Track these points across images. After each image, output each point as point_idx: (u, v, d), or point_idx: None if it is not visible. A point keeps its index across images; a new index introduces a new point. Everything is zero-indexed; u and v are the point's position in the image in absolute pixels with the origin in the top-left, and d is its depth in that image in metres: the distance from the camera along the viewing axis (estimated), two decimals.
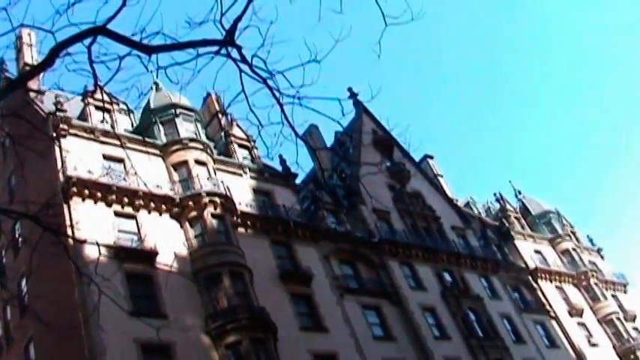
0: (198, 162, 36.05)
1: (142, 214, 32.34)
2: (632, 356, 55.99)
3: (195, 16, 9.45)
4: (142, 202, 32.45)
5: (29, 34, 38.07)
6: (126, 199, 32.02)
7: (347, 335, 35.19)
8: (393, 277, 41.89)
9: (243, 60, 9.21)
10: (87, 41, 9.00)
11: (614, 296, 62.10)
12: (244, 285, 31.80)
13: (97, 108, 35.45)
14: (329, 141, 53.10)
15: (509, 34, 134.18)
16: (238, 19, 8.98)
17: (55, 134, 31.90)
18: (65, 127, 32.81)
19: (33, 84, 35.43)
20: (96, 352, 25.68)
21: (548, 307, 53.46)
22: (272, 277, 34.85)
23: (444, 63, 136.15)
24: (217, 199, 34.02)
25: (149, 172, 32.01)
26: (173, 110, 38.08)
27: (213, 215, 33.60)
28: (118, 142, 31.89)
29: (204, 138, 38.67)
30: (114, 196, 31.58)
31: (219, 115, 44.59)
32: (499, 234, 57.79)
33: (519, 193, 70.44)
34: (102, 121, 34.58)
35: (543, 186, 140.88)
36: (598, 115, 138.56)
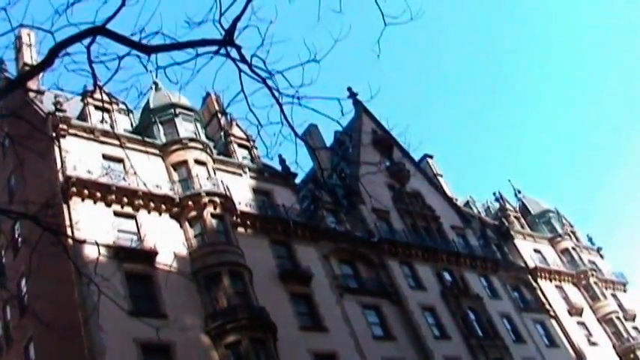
0: (198, 162, 36.05)
1: (142, 214, 32.34)
2: (631, 355, 56.02)
3: (194, 16, 9.46)
4: (141, 201, 32.45)
5: (28, 34, 38.05)
6: (125, 199, 32.02)
7: (347, 335, 35.20)
8: (393, 277, 41.90)
9: (243, 60, 9.22)
10: (86, 41, 9.01)
11: (613, 295, 62.14)
12: (244, 285, 31.80)
13: (97, 108, 35.44)
14: (328, 141, 53.12)
15: (509, 34, 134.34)
16: (237, 18, 8.98)
17: (54, 134, 31.90)
18: (65, 127, 32.80)
19: (32, 84, 35.42)
20: (96, 352, 25.68)
21: (547, 306, 53.48)
22: (272, 277, 34.85)
23: (444, 63, 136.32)
24: (217, 199, 34.02)
25: (149, 172, 32.00)
26: (172, 110, 38.08)
27: (212, 215, 33.60)
28: (117, 142, 31.86)
29: (203, 138, 38.67)
30: (113, 196, 31.58)
31: (219, 115, 44.60)
32: (499, 233, 57.81)
33: (519, 192, 70.46)
34: (101, 121, 34.57)
35: (543, 185, 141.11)
36: (598, 115, 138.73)
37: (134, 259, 29.84)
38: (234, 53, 9.23)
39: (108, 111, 36.12)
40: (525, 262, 56.10)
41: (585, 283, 59.77)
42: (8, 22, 9.44)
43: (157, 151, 35.77)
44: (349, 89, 52.30)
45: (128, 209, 32.06)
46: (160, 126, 37.50)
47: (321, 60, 9.41)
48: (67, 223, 28.15)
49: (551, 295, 55.08)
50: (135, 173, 30.98)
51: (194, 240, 32.68)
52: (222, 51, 9.21)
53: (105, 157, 33.27)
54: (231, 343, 29.23)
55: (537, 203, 68.67)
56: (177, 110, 38.17)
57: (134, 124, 38.19)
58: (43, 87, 35.69)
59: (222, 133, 42.85)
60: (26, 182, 28.72)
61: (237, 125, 43.10)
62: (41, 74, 30.04)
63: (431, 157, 62.23)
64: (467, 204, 61.86)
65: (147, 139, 35.51)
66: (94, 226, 29.03)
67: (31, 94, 35.67)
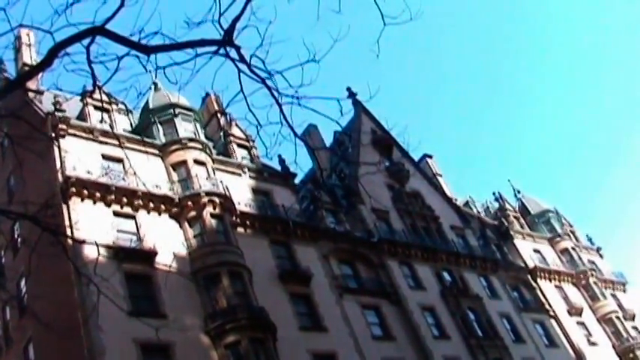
0: (197, 162, 36.05)
1: (141, 214, 32.34)
2: (631, 355, 56.05)
3: (193, 16, 9.47)
4: (141, 202, 32.45)
5: (28, 35, 38.05)
6: (125, 199, 32.02)
7: (346, 335, 35.20)
8: (393, 277, 41.90)
9: (242, 60, 9.22)
10: (85, 41, 9.01)
11: (613, 295, 62.17)
12: (243, 285, 31.80)
13: (96, 108, 35.43)
14: (328, 141, 53.14)
15: (509, 34, 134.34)
16: (237, 19, 8.98)
17: (53, 134, 31.89)
18: (64, 127, 32.80)
19: (32, 84, 35.42)
20: (95, 352, 25.68)
21: (547, 306, 53.50)
22: (271, 277, 34.85)
23: (443, 62, 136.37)
24: (216, 199, 34.02)
25: (148, 172, 32.00)
26: (172, 110, 38.09)
27: (212, 215, 33.59)
28: (116, 142, 31.77)
29: (203, 138, 38.67)
30: (113, 196, 31.57)
31: (218, 115, 44.62)
32: (498, 233, 57.82)
33: (518, 192, 70.50)
34: (101, 121, 34.56)
35: (542, 185, 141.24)
36: (597, 115, 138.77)
37: (134, 259, 29.83)
38: (233, 53, 9.24)
39: (107, 111, 36.12)
40: (525, 262, 56.12)
41: (585, 283, 59.79)
42: (7, 22, 9.45)
43: (156, 151, 35.77)
44: (348, 89, 52.35)
45: (127, 209, 32.06)
46: (159, 126, 37.50)
47: (321, 60, 9.42)
48: (67, 223, 28.15)
49: (551, 295, 55.10)
50: (134, 173, 30.95)
51: (193, 240, 32.68)
52: (222, 51, 9.21)
53: (104, 157, 33.27)
54: (230, 343, 29.23)
55: (537, 203, 68.69)
56: (177, 110, 38.18)
57: (133, 125, 38.18)
58: (43, 87, 35.69)
59: (221, 133, 42.86)
60: (25, 182, 28.71)
61: (236, 125, 43.11)
62: (40, 74, 30.11)
63: (430, 157, 62.24)
64: (466, 204, 61.86)
65: (146, 139, 35.51)
66: (93, 226, 29.02)
67: (31, 95, 35.66)
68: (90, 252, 24.70)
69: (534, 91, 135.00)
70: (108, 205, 31.39)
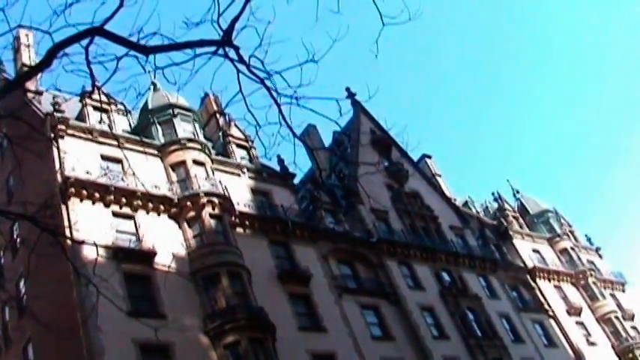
0: (196, 162, 36.04)
1: (140, 215, 32.32)
2: (630, 355, 56.07)
3: (192, 17, 9.48)
4: (140, 202, 32.44)
5: (27, 35, 38.01)
6: (124, 200, 32.00)
7: (345, 335, 35.20)
8: (392, 277, 41.90)
9: (241, 60, 9.22)
10: (84, 42, 9.01)
11: (612, 295, 62.19)
12: (243, 285, 31.80)
13: (95, 108, 35.41)
14: (327, 141, 53.16)
15: (509, 34, 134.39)
16: (235, 19, 8.99)
17: (52, 135, 31.87)
18: (63, 127, 32.78)
19: (31, 85, 35.39)
20: (94, 352, 25.66)
21: (546, 306, 53.51)
22: (270, 277, 34.85)
23: (443, 63, 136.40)
24: (215, 199, 34.01)
25: (147, 173, 32.01)
26: (171, 110, 38.08)
27: (211, 215, 33.58)
28: (115, 143, 31.81)
29: (202, 138, 38.66)
30: (112, 197, 31.56)
31: (217, 116, 44.59)
32: (497, 233, 57.83)
33: (517, 192, 70.52)
34: (100, 122, 34.53)
35: (541, 185, 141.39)
36: (597, 115, 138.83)
37: (133, 259, 29.83)
38: (232, 54, 9.25)
39: (106, 111, 36.09)
40: (524, 262, 56.13)
41: (584, 283, 59.81)
42: (6, 22, 9.45)
43: (155, 152, 35.76)
44: (347, 89, 52.28)
45: (127, 210, 32.04)
46: (158, 126, 37.49)
47: (320, 60, 9.44)
48: (66, 223, 28.14)
49: (550, 295, 55.11)
50: (133, 174, 30.88)
51: (193, 240, 32.67)
52: (221, 51, 9.22)
53: (103, 157, 33.24)
54: (230, 343, 29.22)
55: (536, 203, 68.71)
56: (176, 111, 38.17)
57: (132, 125, 38.18)
58: (42, 88, 35.65)
59: (220, 134, 42.84)
60: (25, 183, 28.73)
61: (235, 125, 43.10)
62: (39, 75, 29.98)
63: (429, 157, 62.25)
64: (465, 204, 61.85)
65: (145, 140, 35.48)
66: (92, 226, 29.00)
67: (30, 95, 35.65)
68: (89, 252, 24.67)
69: (534, 91, 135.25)
70: (107, 205, 31.38)
